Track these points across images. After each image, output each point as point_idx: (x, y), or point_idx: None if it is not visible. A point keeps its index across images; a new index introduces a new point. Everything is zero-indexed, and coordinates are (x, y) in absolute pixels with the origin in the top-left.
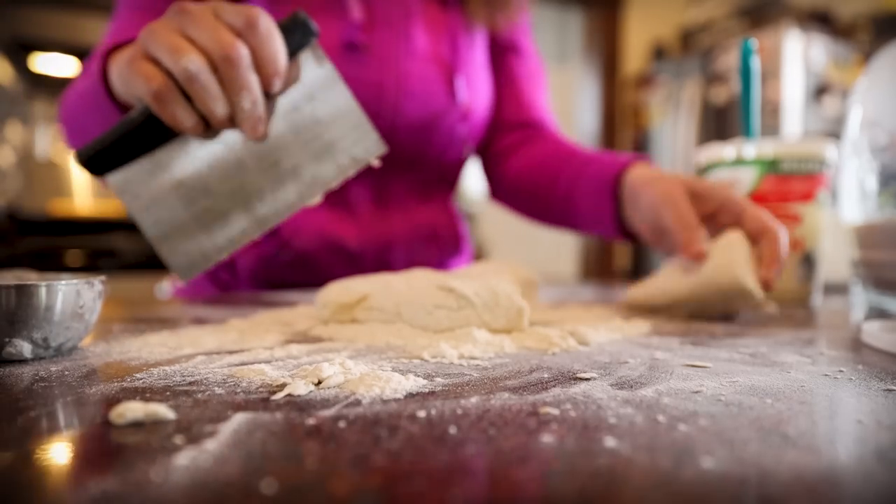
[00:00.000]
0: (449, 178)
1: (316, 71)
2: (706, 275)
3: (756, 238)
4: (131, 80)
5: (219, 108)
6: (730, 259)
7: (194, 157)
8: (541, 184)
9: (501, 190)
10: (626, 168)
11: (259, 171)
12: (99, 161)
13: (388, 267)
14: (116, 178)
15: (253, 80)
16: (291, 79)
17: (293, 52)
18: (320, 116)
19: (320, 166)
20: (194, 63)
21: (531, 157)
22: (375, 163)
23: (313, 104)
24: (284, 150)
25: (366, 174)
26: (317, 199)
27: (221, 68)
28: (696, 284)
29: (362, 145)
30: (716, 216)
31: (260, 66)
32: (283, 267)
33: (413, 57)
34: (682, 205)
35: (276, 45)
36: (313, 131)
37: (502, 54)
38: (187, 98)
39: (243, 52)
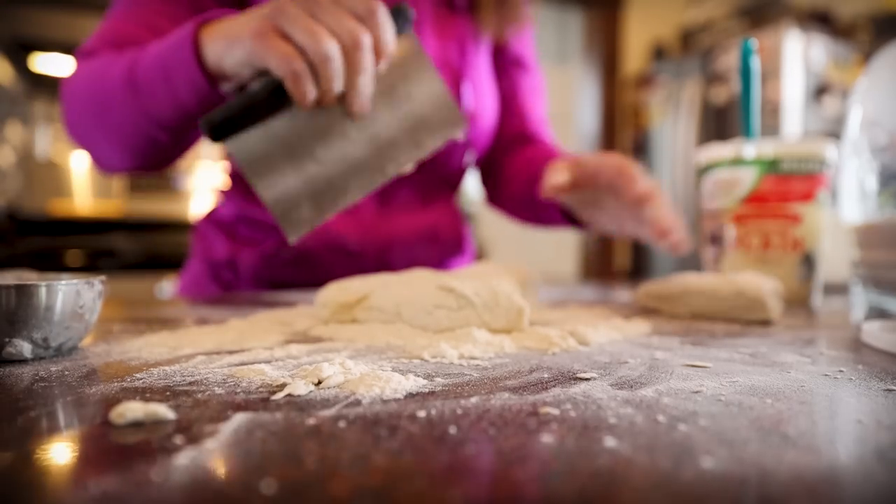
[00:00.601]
0: (452, 181)
1: (410, 54)
2: (727, 279)
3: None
4: (264, 54)
5: (338, 86)
6: (756, 277)
7: (304, 127)
8: (525, 188)
9: (496, 197)
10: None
11: (360, 142)
12: (221, 128)
13: (388, 267)
14: (235, 143)
15: (371, 64)
16: (392, 61)
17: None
18: (413, 95)
19: (413, 140)
20: (332, 48)
21: (521, 164)
22: (461, 137)
23: (407, 83)
24: (382, 124)
25: None
26: (409, 168)
27: (349, 53)
28: (715, 283)
29: (449, 122)
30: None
31: (377, 44)
32: (284, 266)
33: None
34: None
35: (390, 33)
36: (407, 108)
37: (506, 67)
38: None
39: (367, 40)
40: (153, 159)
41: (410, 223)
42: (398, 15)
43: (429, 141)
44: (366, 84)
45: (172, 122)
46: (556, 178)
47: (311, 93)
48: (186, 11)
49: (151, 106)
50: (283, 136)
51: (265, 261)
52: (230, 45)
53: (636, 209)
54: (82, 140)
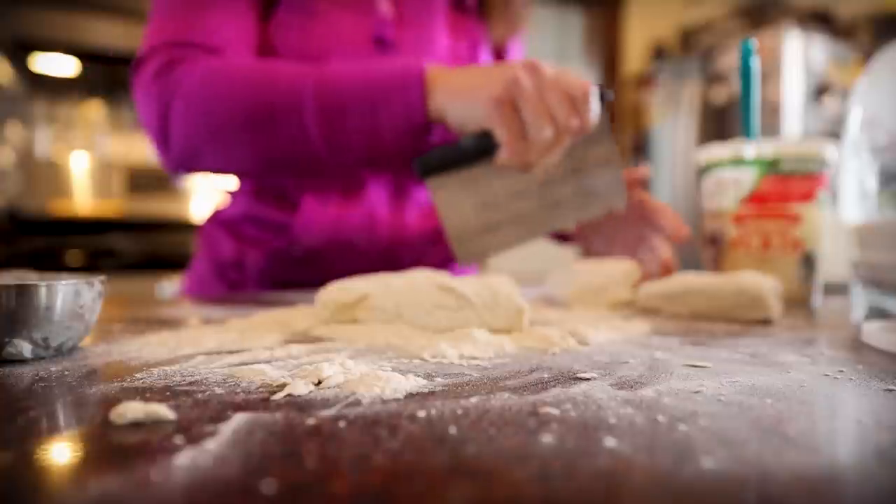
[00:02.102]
0: None
1: (598, 131)
2: (728, 278)
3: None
4: (497, 121)
5: (540, 158)
6: (756, 276)
7: (493, 179)
8: None
9: None
10: None
11: (535, 199)
12: (430, 169)
13: (397, 267)
14: (436, 182)
15: (568, 144)
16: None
17: None
18: (591, 166)
19: (579, 205)
20: (549, 133)
21: None
22: (622, 210)
23: (589, 156)
24: (557, 187)
25: (384, 174)
26: (570, 226)
27: (558, 135)
28: (715, 282)
29: (615, 196)
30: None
31: (581, 128)
32: (292, 265)
33: (435, 57)
34: None
35: (595, 116)
36: (583, 177)
37: None
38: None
39: (576, 125)
40: (281, 174)
41: (420, 223)
42: (601, 96)
43: (592, 209)
44: (553, 159)
45: (353, 149)
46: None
47: (518, 161)
48: (250, 9)
49: (341, 132)
50: (477, 183)
51: (272, 260)
52: (465, 102)
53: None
54: (195, 145)
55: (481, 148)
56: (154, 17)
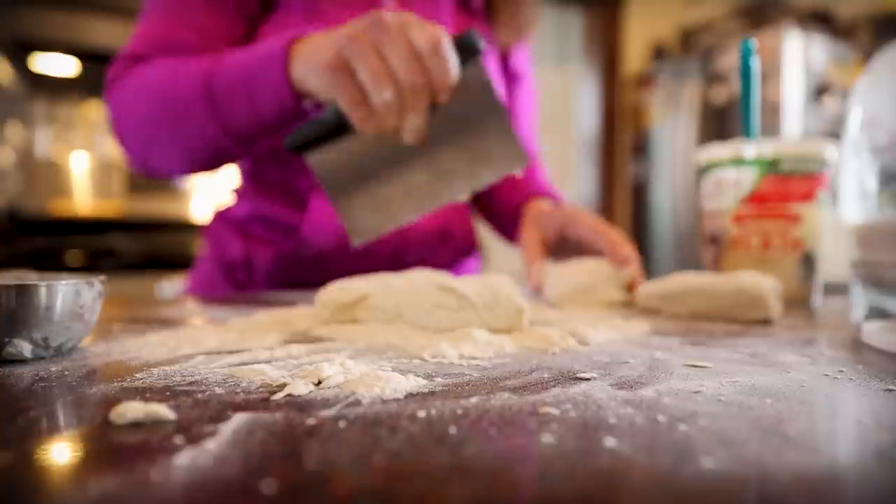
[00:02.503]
0: None
1: (476, 85)
2: (728, 277)
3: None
4: (332, 90)
5: (393, 122)
6: (756, 276)
7: (372, 149)
8: (497, 207)
9: (477, 203)
10: (527, 201)
11: (421, 168)
12: (298, 145)
13: (402, 267)
14: (314, 158)
15: (425, 104)
16: (457, 91)
17: (461, 66)
18: (476, 127)
19: (471, 171)
20: (389, 95)
21: (502, 184)
22: (520, 174)
23: (470, 115)
24: (444, 153)
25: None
26: (464, 197)
27: (407, 95)
28: (715, 282)
29: (509, 157)
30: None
31: (434, 85)
32: (300, 266)
33: None
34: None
35: (451, 68)
36: (469, 139)
37: (506, 79)
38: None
39: (425, 83)
40: (213, 165)
41: (425, 222)
42: (465, 46)
43: (486, 174)
44: (417, 122)
45: (247, 132)
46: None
47: (371, 127)
48: (233, 12)
49: (230, 117)
50: (355, 155)
51: (280, 261)
52: (309, 71)
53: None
54: (140, 147)
55: (342, 118)
56: (139, 21)
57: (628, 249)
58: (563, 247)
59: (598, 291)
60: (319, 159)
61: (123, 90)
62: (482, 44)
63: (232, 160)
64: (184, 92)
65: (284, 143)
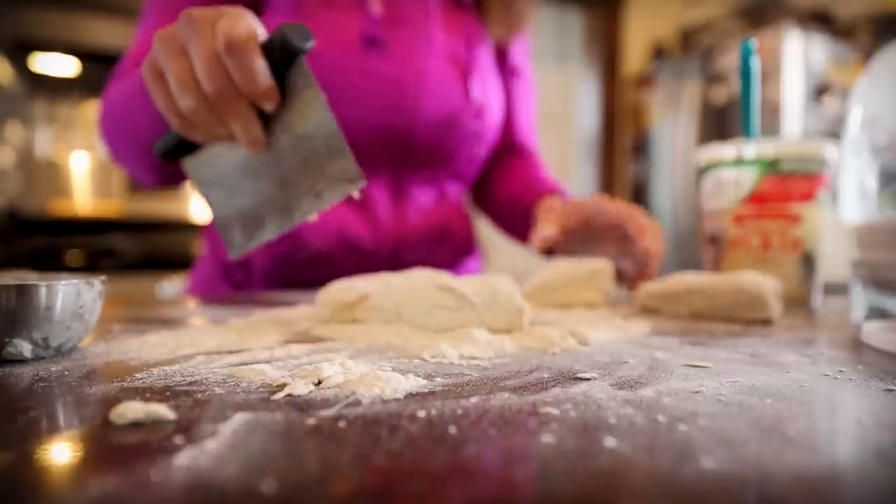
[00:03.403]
0: (462, 176)
1: (304, 90)
2: (728, 277)
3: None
4: (154, 98)
5: (218, 132)
6: (756, 276)
7: (230, 158)
8: (507, 204)
9: (480, 202)
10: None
11: (272, 179)
12: (166, 150)
13: (401, 267)
14: (187, 163)
15: (242, 107)
16: (289, 96)
17: (281, 68)
18: (311, 139)
19: (312, 189)
20: (189, 106)
21: (505, 181)
22: (356, 194)
23: (305, 123)
24: (287, 165)
25: (383, 172)
26: (313, 218)
27: (214, 103)
28: (715, 282)
29: (344, 173)
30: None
31: (241, 90)
32: (298, 266)
33: (431, 55)
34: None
35: (255, 71)
36: (307, 149)
37: (504, 75)
38: None
39: (229, 86)
40: (167, 177)
41: (424, 222)
42: (281, 45)
43: (327, 194)
44: (241, 127)
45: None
46: (545, 231)
47: (197, 135)
48: None
49: (142, 128)
50: (218, 165)
51: (278, 261)
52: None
53: (628, 246)
54: (118, 160)
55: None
56: (138, 25)
57: (649, 242)
58: (583, 237)
59: (564, 292)
60: (192, 165)
61: (101, 109)
62: (304, 42)
63: (170, 168)
64: (126, 108)
65: (154, 149)
